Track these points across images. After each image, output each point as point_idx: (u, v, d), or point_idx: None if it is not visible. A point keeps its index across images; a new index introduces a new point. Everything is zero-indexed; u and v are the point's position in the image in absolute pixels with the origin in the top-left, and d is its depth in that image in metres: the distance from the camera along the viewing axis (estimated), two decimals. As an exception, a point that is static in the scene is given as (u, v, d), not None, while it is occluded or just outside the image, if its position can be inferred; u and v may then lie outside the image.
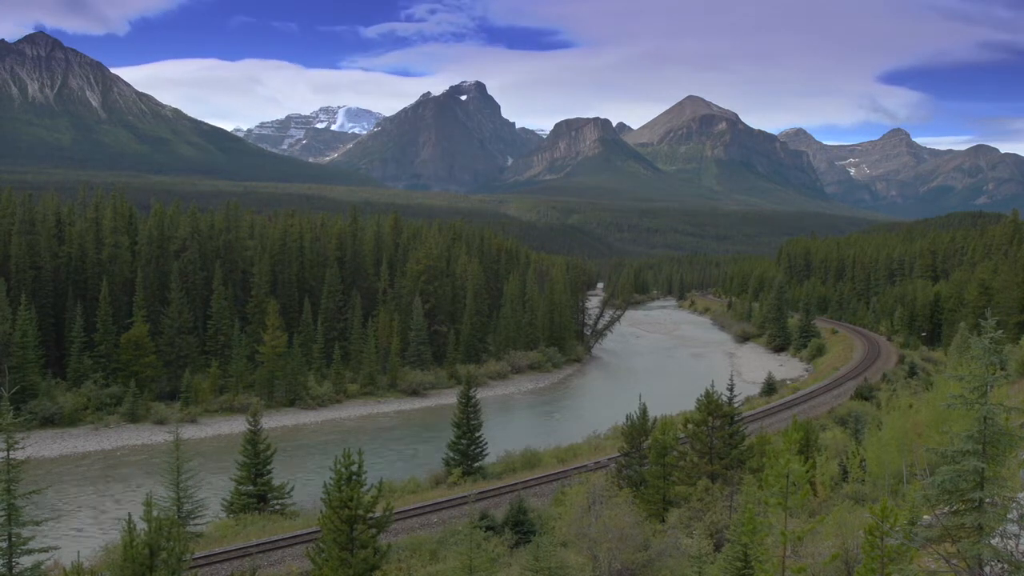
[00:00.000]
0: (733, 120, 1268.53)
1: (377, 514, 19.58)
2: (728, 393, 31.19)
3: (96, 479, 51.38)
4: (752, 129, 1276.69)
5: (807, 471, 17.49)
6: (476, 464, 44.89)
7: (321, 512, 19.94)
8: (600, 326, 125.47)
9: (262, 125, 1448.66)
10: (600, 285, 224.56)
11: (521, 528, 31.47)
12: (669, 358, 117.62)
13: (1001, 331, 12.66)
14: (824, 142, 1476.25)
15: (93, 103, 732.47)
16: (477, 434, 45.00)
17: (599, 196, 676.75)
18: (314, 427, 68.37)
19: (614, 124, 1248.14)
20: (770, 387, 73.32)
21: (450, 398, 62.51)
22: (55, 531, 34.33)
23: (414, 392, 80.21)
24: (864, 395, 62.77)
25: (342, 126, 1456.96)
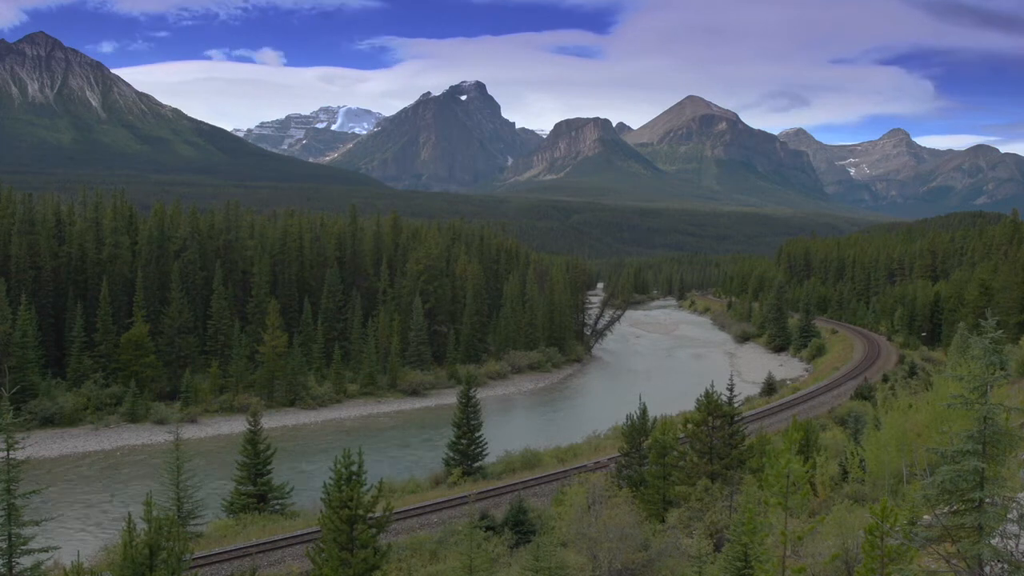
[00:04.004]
0: (733, 120, 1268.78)
1: (377, 514, 19.58)
2: (728, 393, 31.16)
3: (96, 479, 51.39)
4: (752, 129, 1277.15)
5: (807, 471, 17.51)
6: (476, 464, 44.88)
7: (321, 512, 19.94)
8: (600, 326, 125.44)
9: (262, 125, 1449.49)
10: (600, 285, 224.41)
11: (521, 528, 31.46)
12: (669, 358, 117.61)
13: (1001, 331, 12.65)
14: (824, 142, 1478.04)
15: (93, 103, 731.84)
16: (477, 434, 45.00)
17: (599, 196, 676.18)
18: (314, 427, 68.38)
19: (614, 124, 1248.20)
20: (770, 387, 73.28)
21: (450, 398, 62.51)
22: (55, 531, 34.32)
23: (414, 392, 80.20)
24: (864, 395, 62.64)
25: (342, 126, 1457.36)
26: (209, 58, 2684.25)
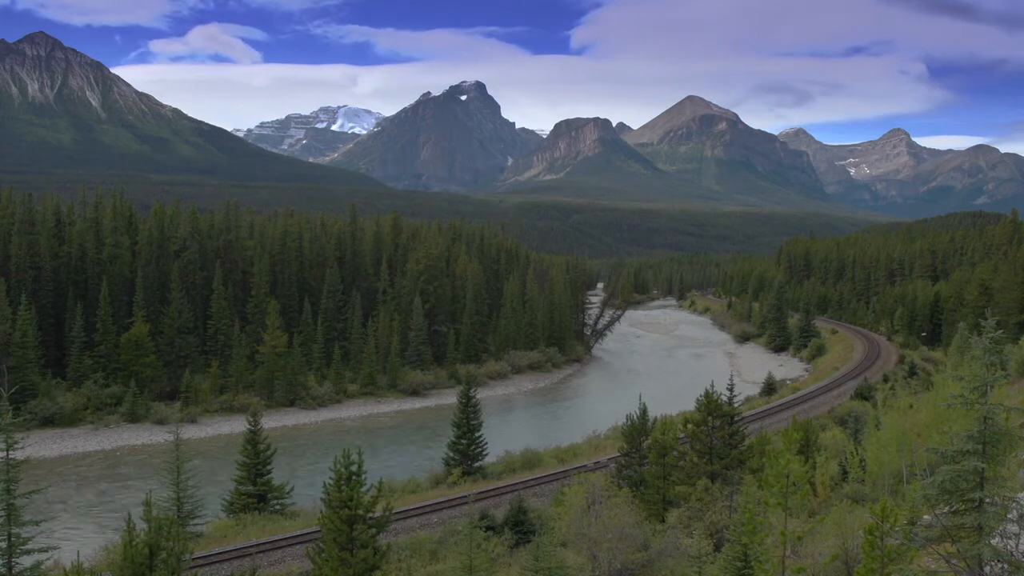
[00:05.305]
0: (733, 120, 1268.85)
1: (377, 514, 19.58)
2: (728, 393, 31.17)
3: (96, 479, 51.37)
4: (752, 129, 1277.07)
5: (807, 471, 17.49)
6: (476, 464, 44.86)
7: (321, 512, 19.95)
8: (600, 326, 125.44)
9: (262, 125, 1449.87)
10: (600, 285, 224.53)
11: (521, 528, 31.46)
12: (669, 358, 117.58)
13: (1001, 331, 12.65)
14: (824, 142, 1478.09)
15: (93, 103, 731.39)
16: (477, 434, 44.97)
17: (599, 196, 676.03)
18: (314, 427, 68.38)
19: (614, 124, 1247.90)
20: (770, 387, 73.28)
21: (450, 398, 62.52)
22: (55, 531, 34.33)
23: (414, 392, 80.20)
24: (864, 395, 62.64)
25: (342, 126, 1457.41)
26: (150, 50, 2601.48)
